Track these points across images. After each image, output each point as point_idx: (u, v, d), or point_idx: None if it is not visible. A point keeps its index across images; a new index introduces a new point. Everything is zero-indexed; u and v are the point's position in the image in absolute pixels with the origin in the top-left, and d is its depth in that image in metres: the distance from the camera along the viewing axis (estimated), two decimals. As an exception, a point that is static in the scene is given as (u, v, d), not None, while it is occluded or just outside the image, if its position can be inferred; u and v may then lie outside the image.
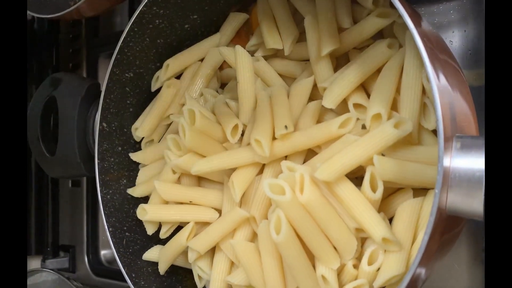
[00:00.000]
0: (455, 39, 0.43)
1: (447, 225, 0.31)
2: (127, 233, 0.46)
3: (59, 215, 0.72)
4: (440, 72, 0.29)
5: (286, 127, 0.35)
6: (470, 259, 0.42)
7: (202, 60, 0.48)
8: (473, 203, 0.28)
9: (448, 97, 0.29)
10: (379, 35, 0.39)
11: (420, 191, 0.35)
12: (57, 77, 0.53)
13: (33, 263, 0.71)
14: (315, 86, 0.39)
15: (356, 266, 0.34)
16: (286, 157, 0.39)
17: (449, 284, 0.43)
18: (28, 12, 0.60)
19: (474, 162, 0.28)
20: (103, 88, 0.46)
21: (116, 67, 0.46)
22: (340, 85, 0.35)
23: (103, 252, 0.68)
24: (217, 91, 0.47)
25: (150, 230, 0.47)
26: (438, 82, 0.27)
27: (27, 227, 0.74)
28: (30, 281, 0.64)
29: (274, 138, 0.37)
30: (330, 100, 0.35)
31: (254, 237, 0.40)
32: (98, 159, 0.46)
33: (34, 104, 0.54)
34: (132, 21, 0.44)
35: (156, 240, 0.47)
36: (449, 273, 0.43)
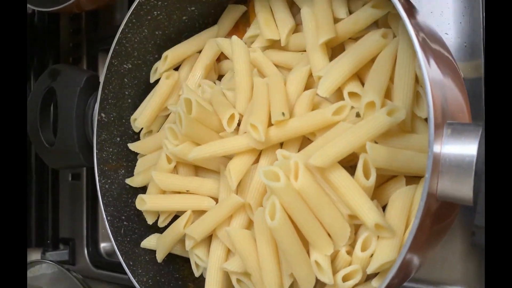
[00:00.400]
0: (450, 31, 0.44)
1: (438, 211, 0.31)
2: (125, 222, 0.47)
3: (59, 208, 0.73)
4: (432, 60, 0.30)
5: (283, 114, 0.36)
6: (464, 251, 0.42)
7: (200, 51, 0.48)
8: (463, 188, 0.28)
9: (439, 84, 0.30)
10: (374, 25, 0.39)
11: (413, 179, 0.35)
12: (56, 68, 0.54)
13: (33, 256, 0.71)
14: (311, 76, 0.40)
15: (349, 253, 0.35)
16: (281, 146, 0.39)
17: (444, 275, 0.43)
18: (29, 5, 0.60)
19: (464, 148, 0.28)
20: (101, 79, 0.46)
21: (114, 58, 0.46)
22: (334, 74, 0.36)
23: (102, 245, 0.69)
24: (214, 83, 0.48)
25: (150, 220, 0.47)
26: (429, 68, 0.28)
27: (28, 220, 0.75)
28: (30, 272, 0.65)
29: (270, 125, 0.37)
30: (324, 89, 0.36)
31: (250, 225, 0.40)
32: (96, 149, 0.47)
33: (33, 95, 0.55)
34: (130, 12, 0.44)
35: (154, 229, 0.48)
36: (443, 264, 0.43)
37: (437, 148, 0.28)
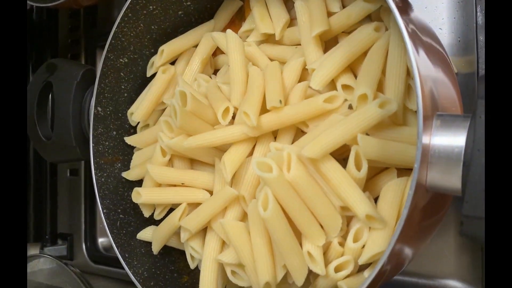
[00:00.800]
0: (444, 26, 0.44)
1: (429, 203, 0.31)
2: (121, 215, 0.47)
3: (58, 203, 0.73)
4: (422, 51, 0.30)
5: (280, 101, 0.36)
6: (458, 244, 0.43)
7: (196, 46, 0.49)
8: (452, 178, 0.28)
9: (429, 75, 0.30)
10: (367, 19, 0.39)
11: (405, 171, 0.36)
12: (53, 63, 0.54)
13: (32, 251, 0.72)
14: (305, 69, 0.40)
15: (342, 244, 0.35)
16: (275, 139, 0.39)
17: (439, 268, 0.44)
18: (27, 1, 0.61)
19: (454, 139, 0.29)
20: (98, 73, 0.47)
21: (110, 52, 0.47)
22: (327, 67, 0.36)
23: (100, 240, 0.69)
24: (210, 77, 0.48)
25: (146, 213, 0.47)
26: (418, 58, 0.28)
27: (26, 215, 0.75)
28: (28, 267, 0.65)
29: (264, 112, 0.38)
30: (317, 81, 0.36)
31: (244, 217, 0.41)
32: (93, 142, 0.47)
33: (30, 89, 0.55)
34: (126, 6, 0.45)
35: (150, 222, 0.48)
36: (437, 257, 0.44)
37: (426, 139, 0.28)
